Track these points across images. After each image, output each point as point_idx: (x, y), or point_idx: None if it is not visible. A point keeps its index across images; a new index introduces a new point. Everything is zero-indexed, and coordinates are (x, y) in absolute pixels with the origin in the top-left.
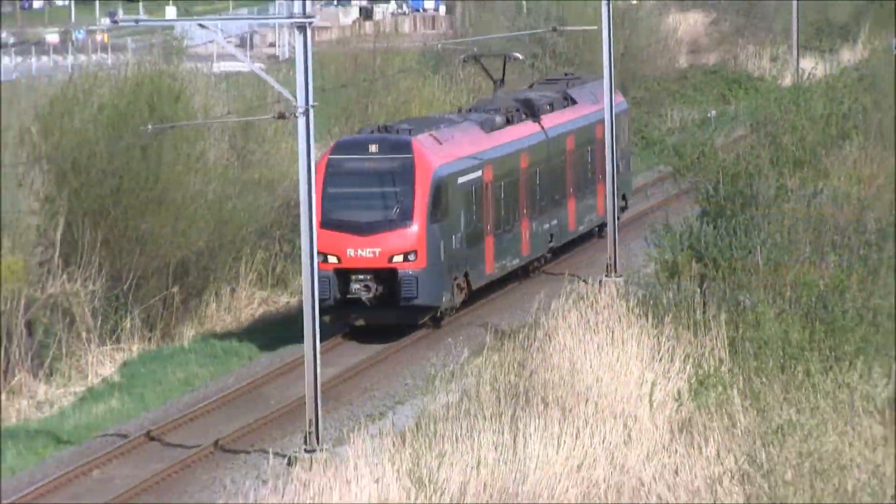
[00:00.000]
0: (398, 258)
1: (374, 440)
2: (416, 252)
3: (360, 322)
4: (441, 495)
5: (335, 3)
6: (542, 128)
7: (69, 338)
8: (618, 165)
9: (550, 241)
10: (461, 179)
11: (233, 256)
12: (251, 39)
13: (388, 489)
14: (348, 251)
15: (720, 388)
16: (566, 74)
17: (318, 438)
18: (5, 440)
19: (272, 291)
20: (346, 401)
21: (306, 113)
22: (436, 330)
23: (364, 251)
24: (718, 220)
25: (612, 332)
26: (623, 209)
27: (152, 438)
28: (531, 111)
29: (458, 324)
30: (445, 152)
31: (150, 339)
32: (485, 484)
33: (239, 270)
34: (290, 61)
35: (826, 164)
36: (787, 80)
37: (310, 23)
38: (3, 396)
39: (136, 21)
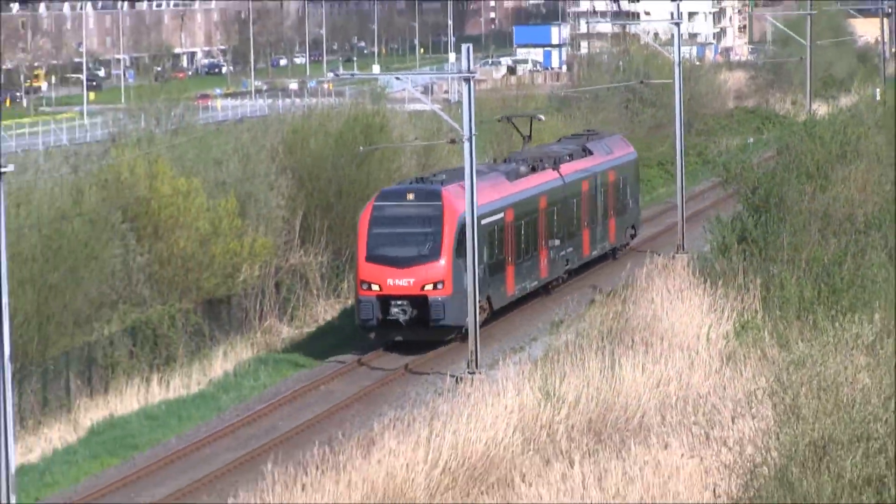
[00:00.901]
0: (429, 287)
1: (516, 366)
2: (443, 282)
3: (399, 338)
4: (561, 404)
5: (489, 62)
6: (560, 175)
7: (305, 294)
8: (627, 203)
9: (567, 265)
10: (484, 221)
11: None
12: (431, 88)
13: (525, 399)
14: (388, 280)
15: (755, 331)
16: (587, 131)
17: (476, 364)
18: (264, 365)
19: None
20: (497, 338)
21: (470, 139)
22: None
23: (401, 281)
24: (755, 214)
25: (681, 292)
26: (633, 237)
27: (362, 364)
28: (553, 161)
29: (573, 287)
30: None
31: None
32: (591, 396)
33: None
34: (458, 103)
35: (830, 175)
36: (802, 117)
37: (472, 76)
38: (259, 334)
39: (352, 75)
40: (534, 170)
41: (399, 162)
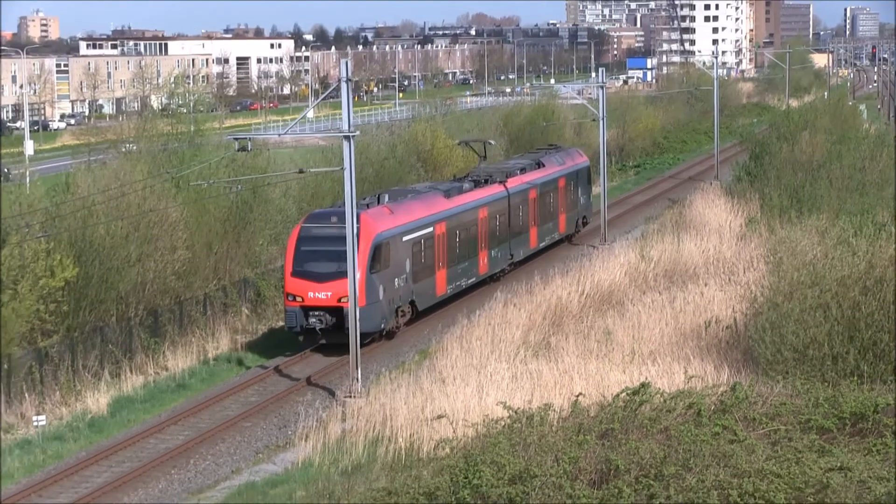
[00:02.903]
0: (344, 299)
1: (626, 241)
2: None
3: (324, 341)
4: (650, 261)
5: (614, 77)
6: (506, 187)
7: None
8: (578, 201)
9: (511, 259)
10: (408, 237)
11: None
12: (582, 91)
13: (630, 258)
14: (309, 293)
15: (756, 223)
16: (550, 146)
17: (605, 238)
18: None
19: None
20: (619, 226)
21: (602, 119)
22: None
23: (320, 294)
24: (756, 160)
25: (714, 202)
26: (585, 224)
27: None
28: (503, 175)
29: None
30: (393, 219)
31: None
32: (666, 258)
33: None
34: (596, 100)
35: (797, 137)
36: (783, 108)
37: (603, 85)
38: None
39: (538, 84)
40: (482, 184)
41: (563, 131)
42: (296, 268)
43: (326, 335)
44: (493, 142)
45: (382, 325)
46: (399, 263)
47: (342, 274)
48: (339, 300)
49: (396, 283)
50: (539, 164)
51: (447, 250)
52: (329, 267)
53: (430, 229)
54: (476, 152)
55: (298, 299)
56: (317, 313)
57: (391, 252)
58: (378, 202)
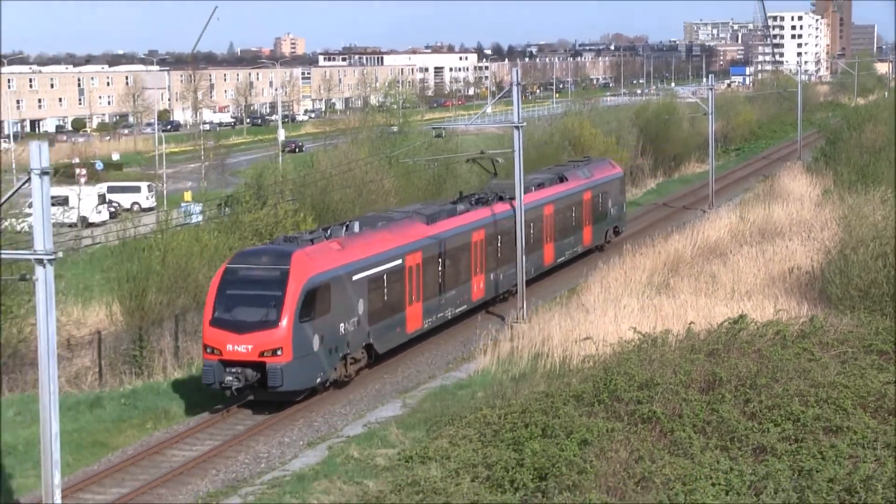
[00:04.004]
0: (267, 353)
1: (729, 206)
2: (282, 348)
3: (252, 397)
4: (746, 221)
5: (720, 81)
6: (511, 206)
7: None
8: (607, 212)
9: (511, 283)
10: (361, 275)
11: None
12: (696, 92)
13: (731, 219)
14: (228, 346)
15: (830, 193)
16: (584, 158)
17: (712, 205)
18: None
19: None
20: (725, 195)
21: (711, 113)
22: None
23: (240, 347)
24: (831, 144)
25: (797, 176)
26: (617, 233)
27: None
28: (512, 192)
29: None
30: (340, 256)
31: None
32: (759, 218)
33: None
34: (706, 99)
35: (864, 127)
36: (853, 104)
37: (712, 87)
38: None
39: (661, 87)
40: (487, 202)
41: (683, 124)
42: (215, 315)
43: (255, 392)
44: (500, 160)
45: (319, 380)
46: (347, 306)
47: (268, 324)
48: (260, 354)
49: (342, 329)
50: (561, 179)
51: (423, 282)
52: (253, 315)
53: (399, 262)
54: (486, 169)
55: (216, 352)
56: (234, 370)
57: (333, 294)
58: (327, 236)
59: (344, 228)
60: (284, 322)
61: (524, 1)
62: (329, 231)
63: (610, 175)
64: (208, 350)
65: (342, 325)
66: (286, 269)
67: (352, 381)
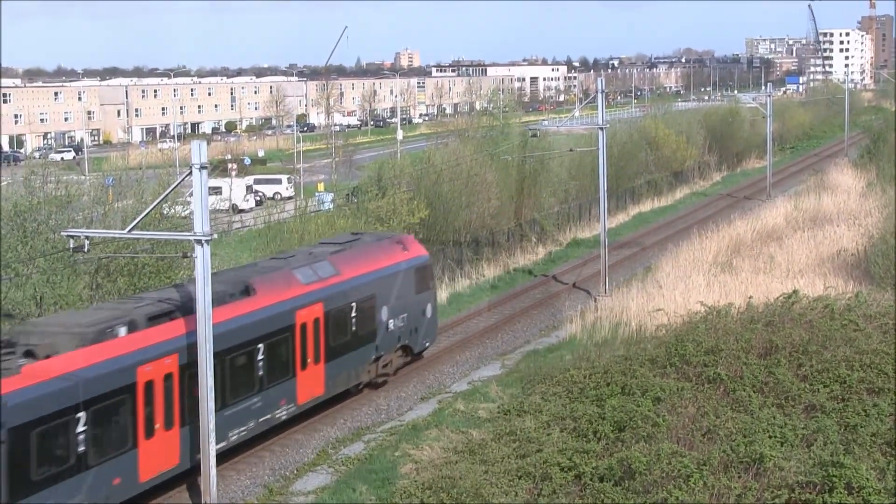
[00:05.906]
0: None
1: (784, 196)
2: None
3: None
4: (800, 210)
5: (777, 89)
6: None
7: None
8: (389, 325)
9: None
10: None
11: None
12: (756, 98)
13: (787, 208)
14: None
15: (873, 185)
16: (353, 234)
17: (770, 194)
18: None
19: None
20: (782, 187)
21: (769, 116)
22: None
23: None
24: (873, 142)
25: (843, 170)
26: (413, 355)
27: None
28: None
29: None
30: None
31: None
32: (811, 208)
33: None
34: (764, 104)
35: None
36: (894, 109)
37: (770, 94)
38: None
39: (726, 94)
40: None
41: (745, 126)
42: None
43: None
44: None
45: None
46: None
47: None
48: None
49: None
50: (248, 290)
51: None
52: None
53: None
54: None
55: None
56: None
57: None
58: None
59: None
60: None
61: (608, 20)
62: None
63: (390, 266)
64: None
65: None
66: None
67: (460, 343)
